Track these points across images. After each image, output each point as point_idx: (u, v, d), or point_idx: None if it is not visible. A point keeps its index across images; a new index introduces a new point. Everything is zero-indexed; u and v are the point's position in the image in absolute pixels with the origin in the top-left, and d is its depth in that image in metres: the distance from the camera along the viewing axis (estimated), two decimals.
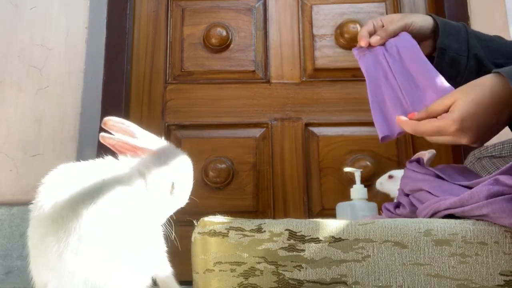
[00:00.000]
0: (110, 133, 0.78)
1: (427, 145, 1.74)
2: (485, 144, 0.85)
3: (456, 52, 0.88)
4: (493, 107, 0.73)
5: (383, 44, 0.89)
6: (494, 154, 0.93)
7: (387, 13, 1.86)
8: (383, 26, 0.91)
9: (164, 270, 0.77)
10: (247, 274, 0.67)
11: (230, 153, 1.73)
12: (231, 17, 1.86)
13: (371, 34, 0.90)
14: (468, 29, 0.94)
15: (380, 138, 0.84)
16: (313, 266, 0.67)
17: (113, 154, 0.78)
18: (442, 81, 0.82)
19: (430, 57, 0.91)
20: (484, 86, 0.74)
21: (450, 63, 0.90)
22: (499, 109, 0.73)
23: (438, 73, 0.84)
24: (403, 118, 0.81)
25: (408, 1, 1.87)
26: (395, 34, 0.89)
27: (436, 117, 0.78)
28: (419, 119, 0.79)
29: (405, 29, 0.89)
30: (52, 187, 0.70)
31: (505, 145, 0.92)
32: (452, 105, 0.75)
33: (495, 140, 0.83)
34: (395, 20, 0.89)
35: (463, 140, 0.75)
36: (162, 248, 0.76)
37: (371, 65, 0.89)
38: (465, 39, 0.92)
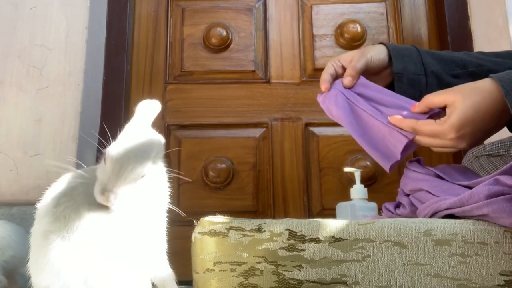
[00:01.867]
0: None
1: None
2: (484, 142, 0.85)
3: (414, 73, 0.90)
4: (491, 113, 0.74)
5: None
6: (492, 152, 0.93)
7: (387, 13, 1.86)
8: (342, 67, 0.92)
9: (163, 270, 0.77)
10: (247, 274, 0.67)
11: (230, 153, 1.73)
12: (231, 17, 1.86)
13: (333, 77, 0.92)
14: (420, 49, 0.96)
15: (388, 169, 0.82)
16: (313, 266, 0.67)
17: None
18: (406, 99, 0.84)
19: (391, 85, 0.93)
20: (484, 91, 0.74)
21: (410, 85, 0.92)
22: (497, 114, 0.74)
23: (399, 95, 0.86)
24: (398, 117, 0.81)
25: (408, 1, 1.87)
26: (361, 71, 0.90)
27: (432, 108, 0.79)
28: (418, 112, 0.80)
29: (367, 64, 0.91)
30: (57, 189, 0.70)
31: (503, 144, 0.92)
32: (450, 106, 0.75)
33: (494, 138, 0.84)
34: (356, 58, 0.91)
35: (461, 146, 0.76)
36: (162, 247, 0.76)
37: (341, 105, 0.89)
38: (419, 58, 0.94)
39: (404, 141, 0.81)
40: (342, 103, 0.89)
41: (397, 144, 0.82)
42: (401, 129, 0.81)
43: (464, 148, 0.77)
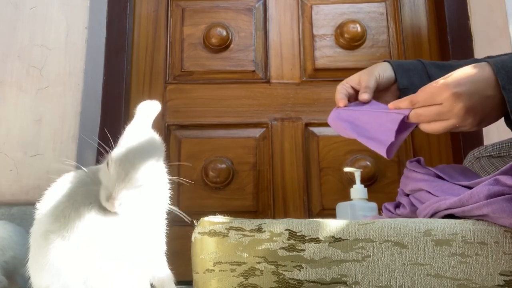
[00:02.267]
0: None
1: (427, 145, 1.75)
2: (484, 144, 0.85)
3: (420, 86, 0.90)
4: (488, 82, 0.74)
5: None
6: (492, 154, 0.93)
7: (387, 13, 1.86)
8: (352, 87, 0.95)
9: (162, 270, 0.77)
10: (247, 274, 0.67)
11: (230, 153, 1.73)
12: (231, 17, 1.86)
13: (347, 97, 0.94)
14: (424, 62, 0.97)
15: (385, 153, 0.82)
16: (313, 266, 0.67)
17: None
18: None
19: None
20: (478, 65, 0.76)
21: None
22: (493, 85, 0.74)
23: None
24: (397, 100, 0.82)
25: (408, 1, 1.87)
26: (374, 89, 0.93)
27: None
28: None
29: (377, 81, 0.93)
30: (57, 190, 0.70)
31: (504, 145, 0.92)
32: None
33: (494, 139, 0.84)
34: (365, 78, 0.93)
35: (457, 107, 0.73)
36: (161, 248, 0.76)
37: (342, 116, 0.91)
38: (424, 71, 0.95)
39: (399, 118, 0.80)
40: (344, 113, 0.91)
41: (392, 125, 0.81)
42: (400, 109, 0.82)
43: (462, 111, 0.73)
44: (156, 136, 0.76)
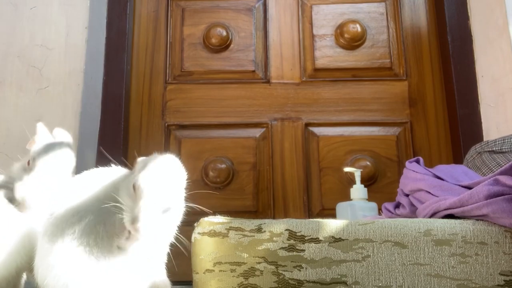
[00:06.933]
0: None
1: (427, 145, 1.75)
2: (487, 139, 0.84)
3: None
4: None
5: None
6: (494, 149, 0.93)
7: (387, 13, 1.86)
8: None
9: (160, 277, 0.76)
10: (247, 274, 0.67)
11: (230, 153, 1.73)
12: (231, 17, 1.86)
13: None
14: None
15: None
16: (313, 266, 0.67)
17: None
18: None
19: None
20: None
21: None
22: None
23: None
24: None
25: (408, 1, 1.87)
26: None
27: None
28: None
29: None
30: (63, 194, 0.71)
31: (506, 141, 0.92)
32: None
33: (496, 135, 0.83)
34: None
35: None
36: (163, 256, 0.75)
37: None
38: None
39: None
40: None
41: None
42: None
43: None
44: (178, 162, 0.75)
